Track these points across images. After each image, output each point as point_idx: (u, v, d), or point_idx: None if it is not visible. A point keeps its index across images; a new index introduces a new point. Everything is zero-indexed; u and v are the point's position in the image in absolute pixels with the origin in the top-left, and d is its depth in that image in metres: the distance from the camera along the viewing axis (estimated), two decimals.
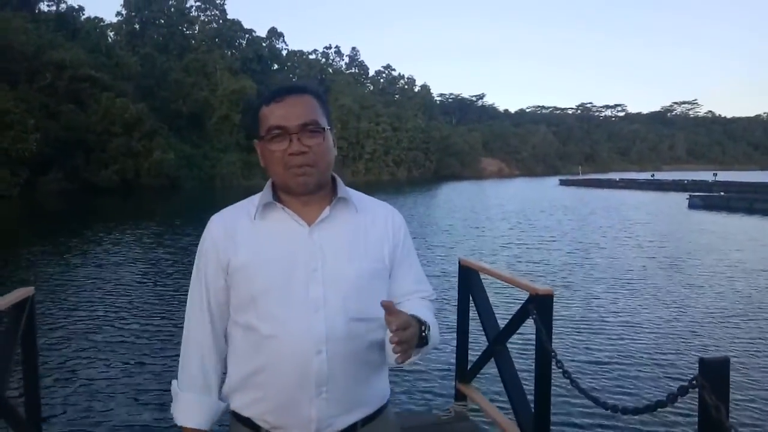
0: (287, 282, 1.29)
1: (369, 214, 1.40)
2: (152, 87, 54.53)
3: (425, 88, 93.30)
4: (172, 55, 63.64)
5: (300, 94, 1.34)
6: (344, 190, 1.39)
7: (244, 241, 1.34)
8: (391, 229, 1.41)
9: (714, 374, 1.86)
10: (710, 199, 30.25)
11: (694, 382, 1.87)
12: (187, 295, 1.42)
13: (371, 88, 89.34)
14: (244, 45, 75.43)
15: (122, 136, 43.37)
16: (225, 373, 1.41)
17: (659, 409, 2.06)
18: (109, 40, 60.78)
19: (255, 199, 1.39)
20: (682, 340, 7.09)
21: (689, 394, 1.95)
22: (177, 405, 1.39)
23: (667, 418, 4.66)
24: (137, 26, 68.39)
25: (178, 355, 1.42)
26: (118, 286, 10.11)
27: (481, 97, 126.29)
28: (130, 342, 6.98)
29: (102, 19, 59.84)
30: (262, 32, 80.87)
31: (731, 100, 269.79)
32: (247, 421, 1.34)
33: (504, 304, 6.90)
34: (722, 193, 33.32)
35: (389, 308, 1.18)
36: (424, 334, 1.26)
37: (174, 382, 1.41)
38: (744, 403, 5.12)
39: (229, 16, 74.35)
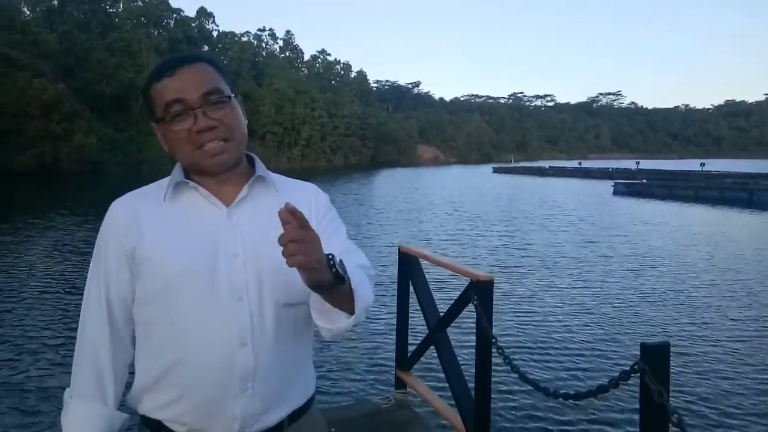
0: (204, 269, 1.16)
1: (291, 194, 1.27)
2: (72, 67, 51.52)
3: (361, 74, 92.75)
4: (94, 34, 60.20)
5: (192, 63, 1.19)
6: (262, 168, 1.28)
7: (152, 227, 1.19)
8: (314, 207, 1.31)
9: (655, 359, 1.88)
10: (634, 186, 31.64)
11: (636, 366, 1.88)
12: None
13: (306, 72, 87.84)
14: (172, 25, 72.26)
15: (40, 119, 41.01)
16: (129, 380, 1.24)
17: (600, 394, 2.07)
18: (25, 16, 56.92)
19: (164, 182, 1.24)
20: (621, 325, 7.11)
21: (630, 378, 1.97)
22: (66, 415, 1.21)
23: (609, 403, 4.63)
24: (55, 2, 64.21)
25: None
26: (36, 280, 9.48)
27: (416, 84, 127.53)
28: (49, 340, 6.54)
29: None
30: (190, 12, 77.97)
31: (652, 92, 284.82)
32: (158, 426, 1.19)
33: (444, 292, 6.91)
34: (644, 181, 34.82)
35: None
36: (333, 268, 1.04)
37: (67, 390, 1.23)
38: (683, 387, 5.13)
39: None
